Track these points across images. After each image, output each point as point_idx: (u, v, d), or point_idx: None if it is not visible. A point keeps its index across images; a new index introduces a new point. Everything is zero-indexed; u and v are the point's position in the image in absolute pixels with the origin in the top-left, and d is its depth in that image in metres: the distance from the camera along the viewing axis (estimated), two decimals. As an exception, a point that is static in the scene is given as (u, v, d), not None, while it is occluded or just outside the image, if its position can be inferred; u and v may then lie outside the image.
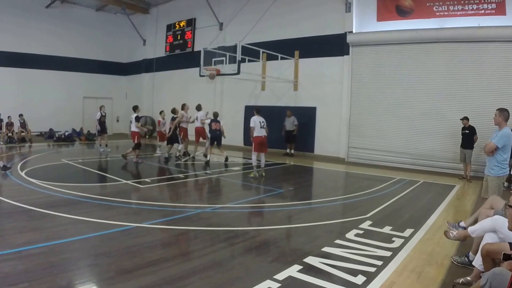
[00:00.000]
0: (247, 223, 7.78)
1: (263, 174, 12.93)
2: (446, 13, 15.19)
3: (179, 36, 26.17)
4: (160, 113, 18.68)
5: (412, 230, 7.16)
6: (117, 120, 29.34)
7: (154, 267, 5.25)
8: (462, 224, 5.93)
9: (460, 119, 13.58)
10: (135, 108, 15.41)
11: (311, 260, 5.56)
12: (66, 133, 23.98)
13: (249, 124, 12.75)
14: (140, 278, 4.92)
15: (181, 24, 26.01)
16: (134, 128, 15.09)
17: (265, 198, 10.07)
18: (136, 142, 14.76)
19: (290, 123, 18.61)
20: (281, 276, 4.99)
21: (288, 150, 19.07)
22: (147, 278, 4.90)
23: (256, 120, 12.66)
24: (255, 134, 12.65)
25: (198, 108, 16.58)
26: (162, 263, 5.40)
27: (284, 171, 14.53)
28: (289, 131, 18.66)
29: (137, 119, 15.31)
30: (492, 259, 4.33)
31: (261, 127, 12.70)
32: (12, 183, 10.58)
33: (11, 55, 24.30)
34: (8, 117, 21.65)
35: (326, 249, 6.04)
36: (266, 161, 13.21)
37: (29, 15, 24.81)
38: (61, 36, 26.29)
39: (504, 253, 4.09)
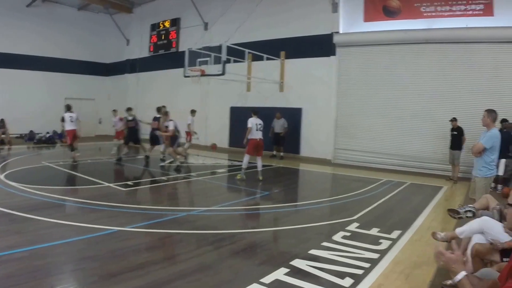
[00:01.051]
0: (233, 226, 7.66)
1: (260, 178, 12.49)
2: (433, 13, 15.24)
3: (163, 36, 25.92)
4: (114, 111, 18.32)
5: (399, 231, 7.12)
6: (100, 122, 28.99)
7: (139, 271, 5.15)
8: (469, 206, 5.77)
9: (450, 120, 13.58)
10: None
11: (298, 263, 5.48)
12: (47, 135, 23.64)
13: (243, 126, 12.50)
14: (126, 282, 4.83)
15: (166, 24, 25.73)
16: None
17: (252, 201, 9.97)
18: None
19: (280, 125, 18.30)
20: (268, 279, 4.91)
21: (275, 152, 18.79)
22: (132, 282, 4.82)
23: (254, 122, 12.30)
24: (251, 137, 12.29)
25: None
26: (148, 267, 5.30)
27: (270, 173, 14.39)
28: (277, 134, 18.42)
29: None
30: (481, 259, 4.27)
31: (257, 130, 12.35)
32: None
33: None
34: None
35: (313, 251, 5.97)
36: (251, 162, 12.99)
37: (9, 14, 24.36)
38: (42, 36, 25.85)
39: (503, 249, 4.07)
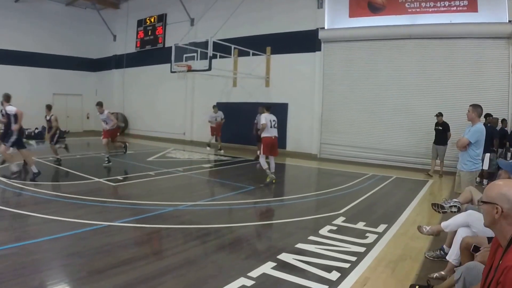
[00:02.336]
0: (219, 221, 7.65)
1: (274, 180, 11.37)
2: (418, 9, 15.34)
3: (150, 31, 25.76)
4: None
5: (385, 225, 7.17)
6: (87, 117, 28.81)
7: (126, 266, 5.16)
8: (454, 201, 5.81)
9: (435, 115, 13.66)
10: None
11: (284, 256, 5.50)
12: (36, 131, 23.43)
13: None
14: (113, 277, 4.83)
15: (152, 20, 25.58)
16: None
17: (237, 195, 9.94)
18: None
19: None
20: (255, 273, 4.93)
21: (259, 152, 17.98)
22: (120, 278, 4.82)
23: (268, 118, 11.33)
24: (265, 134, 11.30)
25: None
26: (135, 262, 5.30)
27: (254, 168, 14.40)
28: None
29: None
30: (470, 252, 4.32)
31: (272, 127, 11.41)
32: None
33: None
34: None
35: (299, 245, 5.99)
36: (235, 157, 12.75)
37: None
38: (29, 31, 25.51)
39: (474, 245, 4.11)
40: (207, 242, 6.23)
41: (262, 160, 11.55)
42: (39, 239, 6.05)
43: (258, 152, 11.54)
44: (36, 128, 23.47)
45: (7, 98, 11.10)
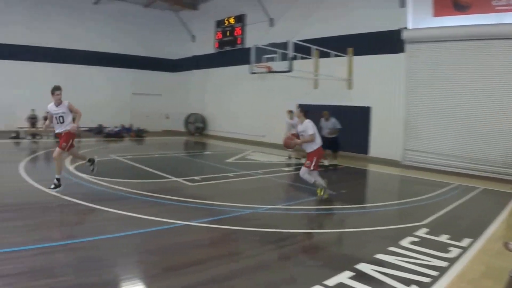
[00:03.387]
0: (296, 226, 7.60)
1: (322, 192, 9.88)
2: (506, 7, 14.43)
3: (228, 32, 26.22)
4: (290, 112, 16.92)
5: (470, 240, 6.78)
6: (167, 117, 29.69)
7: (200, 266, 5.26)
8: None
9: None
10: None
11: (362, 267, 5.35)
12: (116, 129, 24.43)
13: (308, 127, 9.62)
14: (186, 276, 4.95)
15: (230, 21, 26.03)
16: None
17: (316, 201, 9.79)
18: None
19: (329, 127, 15.43)
20: (331, 282, 4.84)
21: (326, 163, 15.48)
22: (193, 277, 4.92)
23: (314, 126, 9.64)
24: (318, 146, 9.61)
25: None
26: (208, 262, 5.39)
27: (335, 173, 14.17)
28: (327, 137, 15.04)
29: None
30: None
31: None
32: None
33: (59, 51, 25.14)
34: (32, 110, 22.36)
35: (378, 256, 5.80)
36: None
37: (77, 11, 25.69)
38: (109, 33, 27.09)
39: None
40: (283, 247, 6.20)
41: (317, 175, 9.85)
42: (115, 234, 6.32)
43: (309, 164, 9.61)
44: (116, 127, 24.46)
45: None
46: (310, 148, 9.48)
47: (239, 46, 25.22)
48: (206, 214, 7.80)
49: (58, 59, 24.91)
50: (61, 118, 9.39)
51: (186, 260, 5.42)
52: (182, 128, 28.67)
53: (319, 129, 14.50)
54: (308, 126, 9.42)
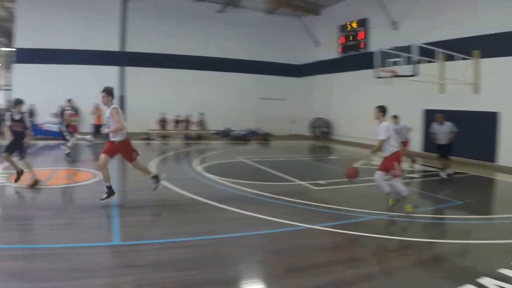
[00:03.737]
0: (420, 234, 7.50)
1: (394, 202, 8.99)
2: None
3: (351, 37, 26.10)
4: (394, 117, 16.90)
5: None
6: (293, 121, 30.01)
7: (321, 269, 5.42)
8: None
9: None
10: None
11: (485, 281, 5.17)
12: (242, 132, 25.22)
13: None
14: (307, 278, 5.09)
15: (353, 25, 25.87)
16: None
17: (442, 209, 9.46)
18: None
19: (445, 132, 13.68)
20: (452, 295, 4.75)
21: (444, 174, 13.95)
22: (313, 279, 5.07)
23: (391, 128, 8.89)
24: (396, 150, 8.78)
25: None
26: (330, 266, 5.53)
27: (462, 182, 13.47)
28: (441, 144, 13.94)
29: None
30: None
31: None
32: (189, 177, 11.44)
33: (187, 58, 27.07)
34: (188, 115, 23.75)
35: (503, 271, 5.54)
36: (442, 169, 11.74)
37: (201, 20, 27.26)
38: (232, 39, 28.41)
39: None
40: (406, 256, 6.20)
41: (400, 184, 8.85)
42: (239, 233, 6.75)
43: (396, 173, 8.68)
44: (242, 131, 25.27)
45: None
46: (388, 151, 8.69)
47: (362, 51, 24.97)
48: (329, 218, 7.90)
49: (187, 65, 26.63)
50: (107, 123, 8.49)
51: (307, 263, 5.58)
52: (307, 133, 28.91)
53: (432, 134, 14.11)
54: (381, 129, 8.62)
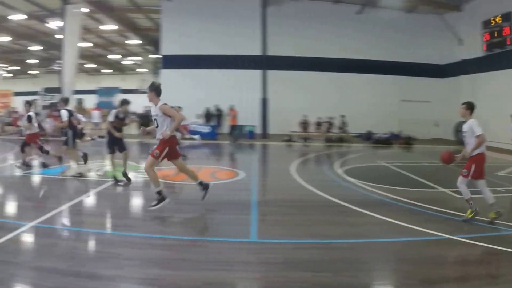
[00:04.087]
0: None
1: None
2: None
3: (496, 33, 23.92)
4: None
5: None
6: (436, 125, 28.61)
7: (458, 283, 5.16)
8: None
9: None
10: None
11: None
12: (384, 136, 24.66)
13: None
14: None
15: (497, 20, 23.67)
16: None
17: None
18: None
19: None
20: None
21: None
22: None
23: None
24: (480, 151, 7.92)
25: None
26: (468, 281, 5.21)
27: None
28: None
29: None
30: None
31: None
32: (329, 180, 11.47)
33: (325, 61, 27.49)
34: (329, 117, 23.82)
35: None
36: None
37: (340, 22, 27.47)
38: (373, 41, 28.18)
39: None
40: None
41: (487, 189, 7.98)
42: (375, 239, 6.71)
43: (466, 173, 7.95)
44: (384, 134, 24.74)
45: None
46: (473, 152, 7.89)
47: (509, 48, 22.86)
48: (470, 229, 7.33)
49: (327, 68, 26.90)
50: (155, 121, 8.18)
51: (443, 275, 5.32)
52: (451, 137, 27.32)
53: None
54: (474, 125, 7.89)
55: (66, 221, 7.48)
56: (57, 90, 28.82)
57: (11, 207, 8.76)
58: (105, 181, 11.06)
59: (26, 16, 29.65)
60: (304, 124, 24.60)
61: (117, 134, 10.94)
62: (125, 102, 11.26)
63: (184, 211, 8.31)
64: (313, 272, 5.21)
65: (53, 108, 25.92)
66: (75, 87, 28.65)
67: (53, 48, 37.40)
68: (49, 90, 43.06)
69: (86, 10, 28.18)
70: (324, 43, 27.15)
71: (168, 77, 27.53)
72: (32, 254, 5.97)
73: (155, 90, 8.13)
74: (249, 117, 26.20)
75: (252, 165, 15.66)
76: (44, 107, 33.81)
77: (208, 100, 26.41)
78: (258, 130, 26.60)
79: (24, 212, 8.16)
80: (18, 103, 49.53)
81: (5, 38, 36.27)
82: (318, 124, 24.96)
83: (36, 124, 13.06)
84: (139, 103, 40.03)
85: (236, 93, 26.62)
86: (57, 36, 30.87)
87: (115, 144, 11.17)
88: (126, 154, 11.27)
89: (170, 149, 7.97)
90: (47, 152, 12.91)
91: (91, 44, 40.13)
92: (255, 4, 27.32)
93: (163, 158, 7.94)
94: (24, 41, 38.78)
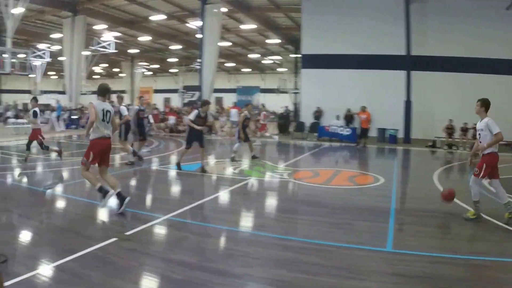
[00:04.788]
0: None
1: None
2: None
3: None
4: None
5: None
6: None
7: None
8: None
9: None
10: None
11: None
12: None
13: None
14: None
15: None
16: None
17: None
18: None
19: None
20: None
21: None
22: None
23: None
24: (493, 150, 8.09)
25: None
26: None
27: None
28: None
29: None
30: None
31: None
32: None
33: (475, 61, 25.19)
34: (450, 120, 22.40)
35: None
36: None
37: (487, 19, 24.87)
38: None
39: None
40: None
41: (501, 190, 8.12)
42: None
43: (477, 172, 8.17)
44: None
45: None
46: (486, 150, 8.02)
47: None
48: None
49: (477, 69, 24.88)
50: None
51: None
52: None
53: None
54: (489, 123, 7.94)
55: (198, 216, 8.04)
56: (197, 88, 30.67)
57: (147, 201, 9.78)
58: (243, 179, 11.62)
59: (165, 17, 32.43)
60: (449, 130, 23.21)
61: (198, 127, 12.17)
62: (206, 103, 12.75)
63: (318, 214, 8.51)
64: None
65: (193, 105, 27.52)
66: (214, 85, 30.06)
67: (192, 47, 40.07)
68: (188, 88, 46.27)
69: (225, 9, 29.84)
70: (473, 42, 24.94)
71: (308, 77, 27.75)
72: (163, 246, 6.64)
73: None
74: (390, 121, 25.59)
75: (393, 170, 15.23)
76: (184, 104, 36.17)
77: (349, 101, 26.12)
78: (399, 134, 25.74)
79: (159, 205, 9.10)
80: (158, 100, 53.95)
81: (146, 38, 39.94)
82: (464, 130, 23.36)
83: (39, 121, 14.21)
84: (278, 103, 41.48)
85: (378, 95, 26.16)
86: (197, 35, 32.95)
87: (196, 140, 12.48)
88: (203, 151, 12.71)
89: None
90: (47, 148, 14.00)
91: (231, 43, 42.21)
92: (399, 1, 26.10)
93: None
94: (165, 40, 42.33)
